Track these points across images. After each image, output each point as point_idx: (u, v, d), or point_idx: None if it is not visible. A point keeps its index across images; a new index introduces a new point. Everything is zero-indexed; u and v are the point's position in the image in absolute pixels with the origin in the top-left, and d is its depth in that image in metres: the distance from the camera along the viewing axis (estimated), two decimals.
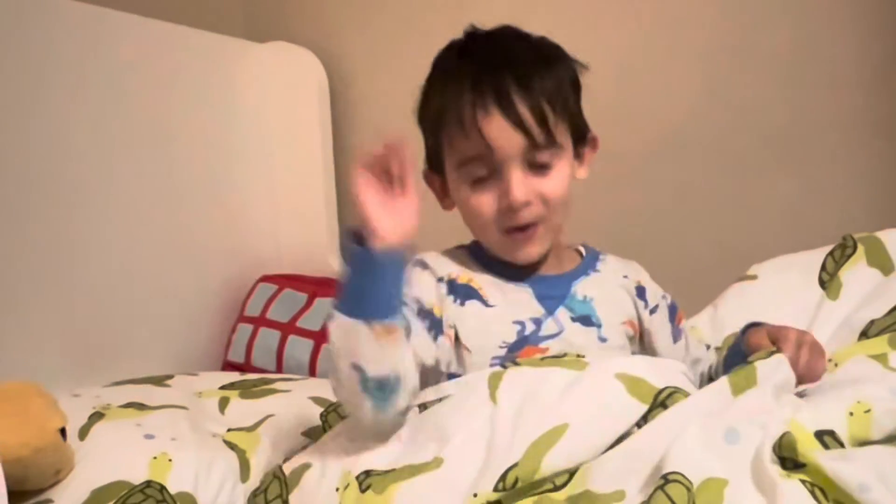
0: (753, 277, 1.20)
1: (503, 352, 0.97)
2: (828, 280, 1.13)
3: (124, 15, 1.58)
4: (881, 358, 0.95)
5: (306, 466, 0.96)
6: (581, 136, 1.03)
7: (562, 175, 0.98)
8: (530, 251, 0.99)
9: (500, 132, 0.93)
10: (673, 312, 1.10)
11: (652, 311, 1.07)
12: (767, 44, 1.47)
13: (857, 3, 1.42)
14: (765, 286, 1.18)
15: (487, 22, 1.04)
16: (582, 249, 1.10)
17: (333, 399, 1.28)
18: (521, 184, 0.94)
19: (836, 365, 0.97)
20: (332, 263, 1.80)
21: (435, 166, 1.03)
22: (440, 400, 0.91)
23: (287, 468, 0.99)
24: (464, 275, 1.02)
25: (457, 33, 1.04)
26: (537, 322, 0.99)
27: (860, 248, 1.13)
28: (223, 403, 1.29)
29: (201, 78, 1.74)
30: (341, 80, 1.89)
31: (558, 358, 0.92)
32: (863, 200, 1.40)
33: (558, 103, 0.97)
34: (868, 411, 0.80)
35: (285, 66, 1.86)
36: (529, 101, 0.94)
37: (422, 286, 0.99)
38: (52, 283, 1.42)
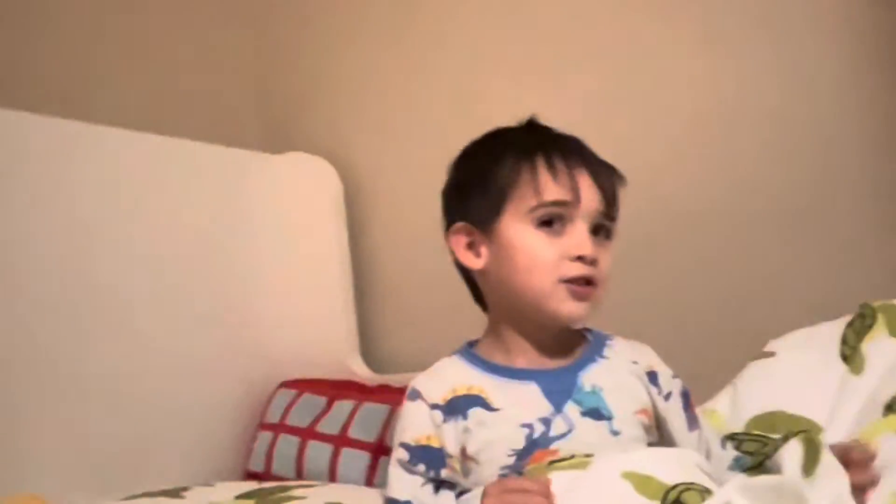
0: (771, 354, 1.16)
1: (512, 460, 0.94)
2: (850, 354, 1.09)
3: (140, 135, 1.64)
4: None
5: None
6: None
7: (610, 258, 1.01)
8: (579, 308, 0.98)
9: (586, 187, 0.98)
10: (686, 398, 1.06)
11: (666, 398, 1.03)
12: (762, 110, 1.48)
13: (853, 65, 1.42)
14: (784, 363, 1.13)
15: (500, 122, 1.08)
16: (587, 335, 1.07)
17: None
18: (591, 241, 0.97)
19: None
20: (351, 365, 1.79)
21: (478, 220, 1.02)
22: None
23: None
24: (462, 385, 0.99)
25: (471, 138, 1.09)
26: (546, 422, 0.95)
27: (880, 318, 1.09)
28: None
29: (218, 191, 1.79)
30: (356, 186, 1.93)
31: (565, 461, 0.90)
32: (876, 268, 1.37)
33: (618, 194, 1.03)
34: None
35: (301, 176, 1.90)
36: (607, 178, 1.01)
37: (415, 421, 0.99)
38: (65, 394, 1.43)
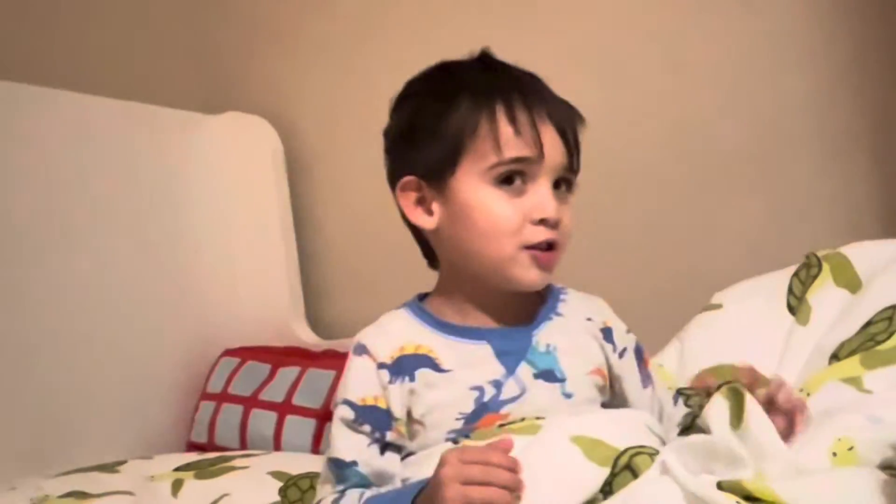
0: (718, 307, 1.14)
1: (460, 424, 0.88)
2: (796, 304, 1.08)
3: (78, 95, 1.57)
4: (855, 381, 0.89)
5: None
6: None
7: (570, 213, 0.93)
8: (541, 276, 0.91)
9: (550, 139, 0.89)
10: (640, 355, 1.02)
11: (621, 355, 0.99)
12: (714, 67, 1.46)
13: (803, 23, 1.40)
14: (731, 315, 1.11)
15: None
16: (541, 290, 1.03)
17: (293, 472, 1.22)
18: (554, 199, 0.89)
19: (808, 394, 0.90)
20: (296, 331, 1.74)
21: (429, 174, 0.93)
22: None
23: None
24: (411, 343, 0.92)
25: None
26: (497, 385, 0.90)
27: (826, 267, 1.07)
28: (176, 486, 1.22)
29: (157, 153, 1.72)
30: (298, 145, 1.88)
31: (514, 424, 0.86)
32: (824, 218, 1.36)
33: (580, 149, 0.94)
34: (851, 448, 0.74)
35: (240, 136, 1.84)
36: (569, 122, 0.92)
37: (361, 379, 0.91)
38: None
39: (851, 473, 0.69)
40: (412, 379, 0.90)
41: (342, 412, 0.92)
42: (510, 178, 0.89)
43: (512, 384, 0.91)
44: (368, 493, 0.87)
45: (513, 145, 0.88)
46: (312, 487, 1.18)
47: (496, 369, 0.91)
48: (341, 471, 0.90)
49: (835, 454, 0.74)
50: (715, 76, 1.46)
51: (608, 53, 1.55)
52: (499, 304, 0.95)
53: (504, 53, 0.99)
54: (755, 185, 1.43)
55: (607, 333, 0.99)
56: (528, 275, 0.90)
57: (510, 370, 0.91)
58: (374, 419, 0.90)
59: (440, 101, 0.92)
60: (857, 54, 1.36)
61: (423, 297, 1.00)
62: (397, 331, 0.94)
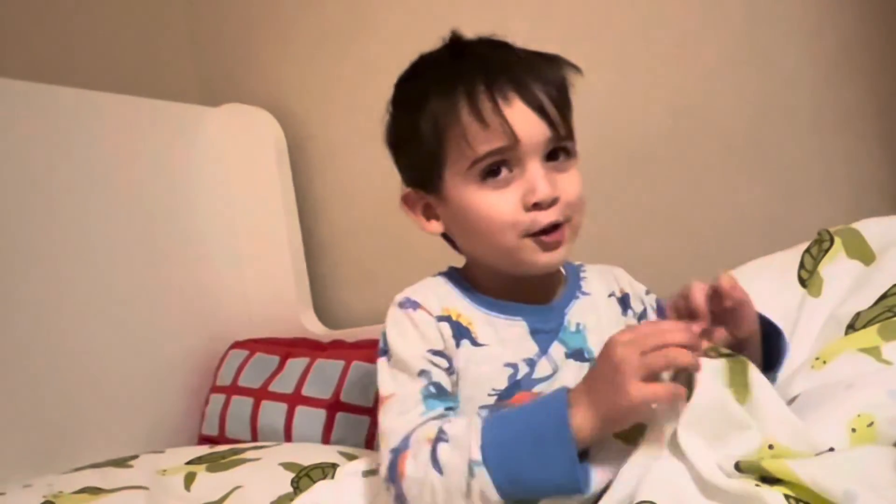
0: None
1: (492, 400, 0.88)
2: (807, 277, 1.06)
3: (78, 91, 1.56)
4: (873, 351, 0.87)
5: None
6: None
7: (577, 174, 0.91)
8: (553, 256, 0.89)
9: (523, 120, 0.86)
10: (661, 310, 1.02)
11: (641, 318, 1.00)
12: (715, 49, 1.44)
13: (800, 2, 1.38)
14: None
15: None
16: (561, 267, 1.01)
17: (305, 463, 1.22)
18: (545, 178, 0.87)
19: (824, 363, 0.89)
20: (304, 322, 1.74)
21: (422, 182, 0.93)
22: None
23: None
24: (454, 310, 0.91)
25: None
26: (531, 363, 0.90)
27: (837, 241, 1.06)
28: (189, 479, 1.21)
29: (158, 147, 1.71)
30: (298, 135, 1.86)
31: None
32: (829, 198, 1.35)
33: (568, 97, 0.91)
34: (871, 425, 0.73)
35: (241, 128, 1.82)
36: (545, 90, 0.88)
37: (427, 331, 0.89)
38: (7, 363, 1.36)
39: (869, 451, 0.68)
40: (457, 346, 0.90)
41: (438, 360, 0.89)
42: (494, 170, 0.87)
43: (545, 363, 0.90)
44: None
45: (483, 139, 0.86)
46: (325, 478, 1.17)
47: (530, 347, 0.91)
48: (443, 393, 0.87)
49: (854, 430, 0.73)
50: (715, 58, 1.45)
51: (609, 38, 1.53)
52: (524, 285, 0.95)
53: (500, 28, 0.97)
54: (759, 166, 1.42)
55: (625, 301, 1.00)
56: (538, 259, 0.89)
57: (543, 349, 0.91)
58: (453, 370, 0.89)
59: (411, 110, 0.92)
60: (859, 31, 1.34)
61: (456, 269, 0.99)
62: (442, 294, 0.94)
